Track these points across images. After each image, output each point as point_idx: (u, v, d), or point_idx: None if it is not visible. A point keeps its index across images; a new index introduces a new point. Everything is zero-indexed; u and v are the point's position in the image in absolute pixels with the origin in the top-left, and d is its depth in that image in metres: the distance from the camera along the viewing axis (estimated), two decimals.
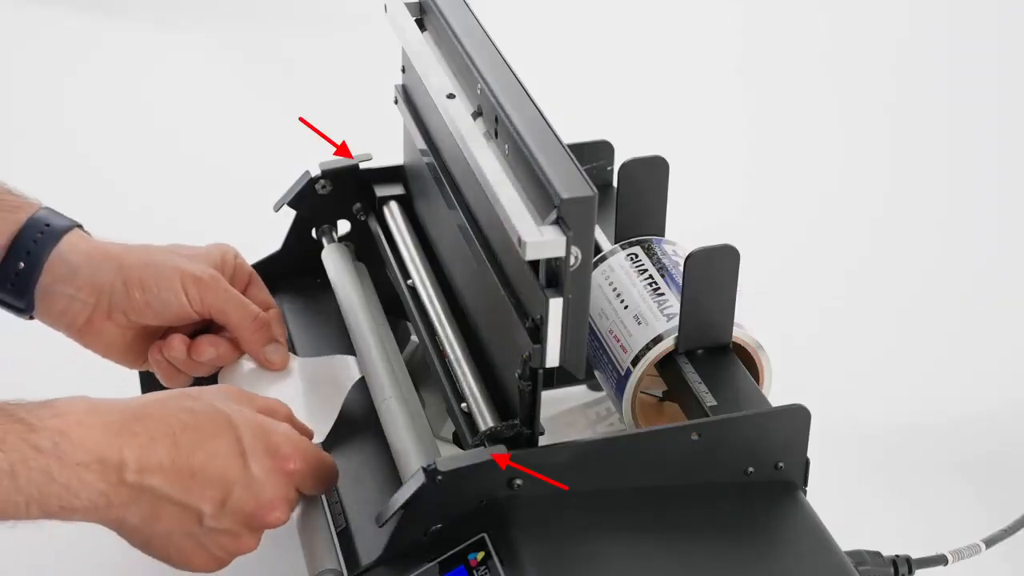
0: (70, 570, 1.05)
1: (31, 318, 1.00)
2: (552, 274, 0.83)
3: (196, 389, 0.90)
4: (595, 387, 1.19)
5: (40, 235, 0.97)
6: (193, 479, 0.83)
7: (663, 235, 1.06)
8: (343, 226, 1.15)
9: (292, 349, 1.07)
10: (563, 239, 0.80)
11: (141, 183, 1.56)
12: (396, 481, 0.92)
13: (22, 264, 0.97)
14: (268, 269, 1.13)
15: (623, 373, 0.98)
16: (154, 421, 0.83)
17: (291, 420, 0.93)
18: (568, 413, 1.18)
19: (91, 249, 0.98)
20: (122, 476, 0.81)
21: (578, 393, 1.19)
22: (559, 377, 0.89)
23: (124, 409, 0.83)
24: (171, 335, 1.00)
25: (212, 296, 0.99)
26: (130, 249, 1.00)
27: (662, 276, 1.00)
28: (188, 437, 0.83)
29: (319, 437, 0.97)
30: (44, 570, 1.05)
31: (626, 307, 1.00)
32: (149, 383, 1.09)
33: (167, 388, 1.02)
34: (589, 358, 1.01)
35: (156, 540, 0.86)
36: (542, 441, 0.88)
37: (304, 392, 1.01)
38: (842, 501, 1.03)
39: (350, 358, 1.03)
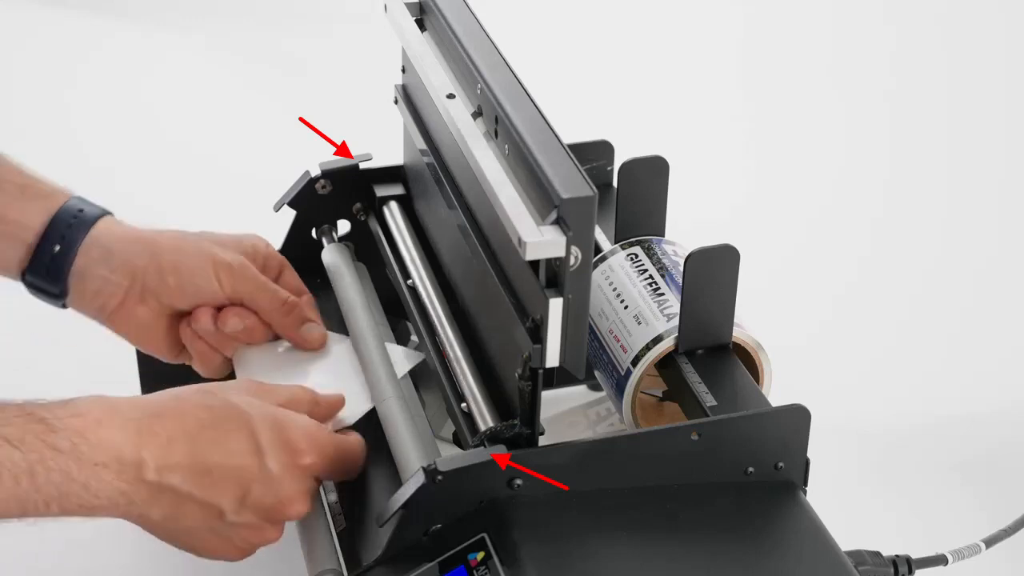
0: (71, 570, 1.05)
1: (64, 306, 1.00)
2: (552, 274, 0.83)
3: (215, 384, 0.91)
4: (595, 387, 1.19)
5: (74, 219, 0.98)
6: (211, 477, 0.84)
7: (663, 235, 1.06)
8: (343, 226, 1.15)
9: None
10: (563, 239, 0.80)
11: (141, 183, 1.56)
12: (396, 481, 0.92)
13: (57, 247, 0.97)
14: None
15: (623, 373, 0.98)
16: (171, 420, 0.84)
17: (314, 406, 0.93)
18: (568, 413, 1.18)
19: (124, 233, 1.00)
20: (141, 475, 0.82)
21: (578, 393, 1.19)
22: (559, 377, 0.89)
23: (143, 408, 0.84)
24: (198, 308, 1.01)
25: (241, 283, 1.00)
26: (162, 234, 1.01)
27: (662, 276, 1.00)
28: (205, 435, 0.84)
29: (356, 413, 0.97)
30: (44, 570, 1.05)
31: (626, 307, 1.00)
32: (148, 385, 1.09)
33: (190, 383, 1.02)
34: (589, 358, 1.01)
35: (181, 535, 0.87)
36: (542, 441, 0.88)
37: (341, 370, 1.01)
38: (842, 501, 1.03)
39: (397, 349, 1.03)
